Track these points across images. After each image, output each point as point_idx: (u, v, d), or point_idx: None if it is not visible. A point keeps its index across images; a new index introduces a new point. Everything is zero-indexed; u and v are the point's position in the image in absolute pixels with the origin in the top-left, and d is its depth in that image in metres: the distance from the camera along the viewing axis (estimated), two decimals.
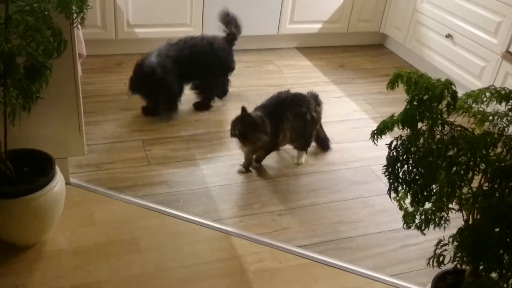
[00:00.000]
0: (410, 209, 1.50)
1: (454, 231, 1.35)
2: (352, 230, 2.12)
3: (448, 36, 3.26)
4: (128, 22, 3.27)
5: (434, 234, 1.96)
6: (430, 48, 3.45)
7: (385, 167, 1.29)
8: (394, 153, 1.28)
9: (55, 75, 1.71)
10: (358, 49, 3.98)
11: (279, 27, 3.64)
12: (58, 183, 1.82)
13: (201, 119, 2.81)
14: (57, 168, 1.85)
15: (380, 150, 2.68)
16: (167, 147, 2.54)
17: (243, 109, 2.31)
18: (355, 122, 2.95)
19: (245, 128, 2.29)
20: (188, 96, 2.92)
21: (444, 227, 1.42)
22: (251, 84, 3.25)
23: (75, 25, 1.68)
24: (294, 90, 2.57)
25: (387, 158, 1.31)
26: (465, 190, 1.32)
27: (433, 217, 1.38)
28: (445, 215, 1.38)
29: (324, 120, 2.80)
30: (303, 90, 2.60)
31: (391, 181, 1.28)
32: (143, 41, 3.41)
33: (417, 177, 1.24)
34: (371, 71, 3.62)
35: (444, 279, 1.51)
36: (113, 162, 2.38)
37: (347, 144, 2.73)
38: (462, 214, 1.37)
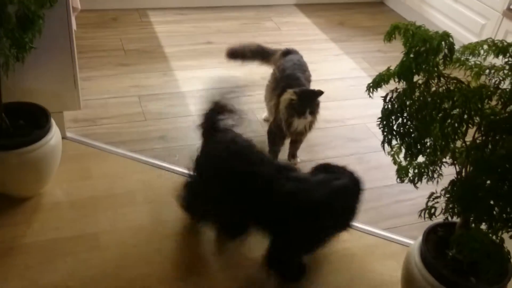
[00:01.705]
0: (404, 163, 1.52)
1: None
2: None
3: None
4: None
5: (427, 190, 1.98)
6: (430, 6, 3.40)
7: (379, 119, 1.29)
8: (389, 106, 1.28)
9: (48, 27, 1.69)
10: (357, 6, 3.91)
11: None
12: (54, 136, 1.83)
13: (199, 76, 2.79)
14: (53, 121, 1.85)
15: (377, 108, 2.69)
16: (164, 103, 2.53)
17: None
18: (353, 80, 2.93)
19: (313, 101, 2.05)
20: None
21: (437, 181, 1.44)
22: (248, 41, 3.19)
23: None
24: (293, 47, 2.53)
25: (382, 110, 1.31)
26: (459, 144, 1.33)
27: (426, 171, 1.39)
28: (438, 169, 1.39)
29: (323, 77, 2.79)
30: (301, 48, 2.57)
31: (385, 133, 1.28)
32: None
33: (411, 130, 1.24)
34: (370, 29, 3.57)
35: (435, 231, 1.54)
36: (110, 117, 2.38)
37: (345, 101, 2.73)
38: (455, 168, 1.38)
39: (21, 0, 1.35)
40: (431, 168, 1.39)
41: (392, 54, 3.22)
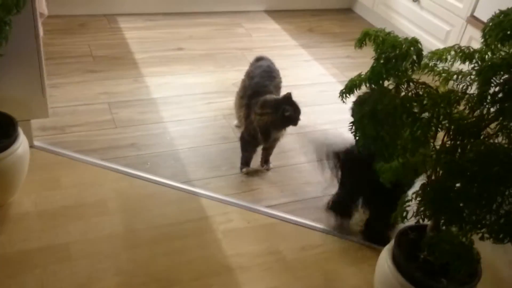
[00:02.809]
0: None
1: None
2: (318, 190, 2.16)
3: (415, 0, 3.28)
4: None
5: None
6: (397, 13, 3.47)
7: (351, 124, 1.30)
8: (358, 111, 1.30)
9: (14, 33, 1.65)
10: (326, 13, 3.96)
11: None
12: (21, 145, 1.78)
13: (170, 82, 2.77)
14: (20, 130, 1.80)
15: (348, 113, 2.74)
16: (134, 109, 2.50)
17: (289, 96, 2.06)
18: (323, 86, 2.96)
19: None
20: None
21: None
22: (220, 47, 3.21)
23: None
24: (263, 53, 2.55)
25: (352, 115, 1.33)
26: (428, 148, 1.35)
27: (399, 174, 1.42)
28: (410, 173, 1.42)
29: (293, 83, 2.81)
30: (272, 53, 2.59)
31: (357, 138, 1.30)
32: (107, 1, 3.31)
33: (382, 134, 1.26)
34: (339, 35, 3.62)
35: (406, 234, 1.56)
36: (79, 125, 2.34)
37: (316, 107, 2.75)
38: (425, 171, 1.41)
39: None
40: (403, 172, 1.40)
41: (361, 60, 3.27)
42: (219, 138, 2.39)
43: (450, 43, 3.04)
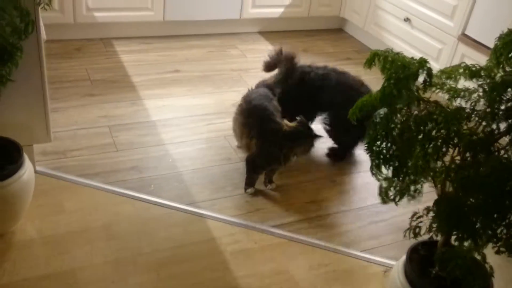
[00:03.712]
0: (384, 184, 1.56)
1: (424, 205, 1.42)
2: (323, 209, 2.17)
3: (406, 19, 3.35)
4: (87, 5, 3.17)
5: (399, 210, 2.04)
6: (388, 32, 3.54)
7: (366, 144, 1.32)
8: (374, 131, 1.32)
9: (21, 59, 1.65)
10: (319, 33, 4.02)
11: (241, 11, 3.63)
12: (27, 171, 1.77)
13: (168, 105, 2.77)
14: (25, 156, 1.79)
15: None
16: (135, 132, 2.50)
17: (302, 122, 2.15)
18: None
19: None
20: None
21: (411, 200, 1.48)
22: (216, 69, 3.24)
23: (41, 6, 1.63)
24: (259, 74, 2.57)
25: (366, 136, 1.35)
26: (438, 164, 1.37)
27: (408, 190, 1.43)
28: (419, 188, 1.43)
29: None
30: (268, 74, 2.61)
31: (373, 158, 1.31)
32: (103, 26, 3.32)
33: (396, 153, 1.28)
34: (333, 54, 3.68)
35: (417, 251, 1.58)
36: (80, 149, 2.33)
37: (315, 126, 2.77)
38: (436, 187, 1.43)
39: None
40: (412, 187, 1.42)
41: None
42: (222, 159, 2.39)
43: (442, 61, 3.10)
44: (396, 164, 1.30)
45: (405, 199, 1.49)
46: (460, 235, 1.26)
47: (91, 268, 1.76)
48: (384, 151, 1.31)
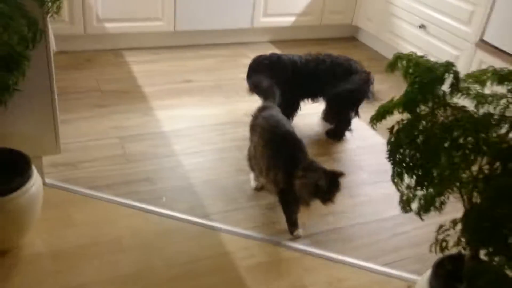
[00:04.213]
0: (405, 192, 1.48)
1: (446, 217, 1.34)
2: (340, 221, 2.09)
3: (422, 26, 3.28)
4: (98, 16, 3.15)
5: (421, 222, 1.94)
6: (403, 39, 3.47)
7: (388, 152, 1.25)
8: (396, 138, 1.25)
9: (29, 68, 1.61)
10: (331, 42, 3.96)
11: (252, 20, 3.59)
12: (35, 183, 1.72)
13: (180, 115, 2.72)
14: (34, 168, 1.74)
15: (362, 140, 2.69)
16: (146, 143, 2.45)
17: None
18: None
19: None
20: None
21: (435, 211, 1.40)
22: (228, 78, 3.19)
23: (50, 14, 1.59)
24: None
25: (389, 142, 1.28)
26: (465, 174, 1.30)
27: (433, 202, 1.36)
28: (445, 199, 1.36)
29: (304, 112, 2.77)
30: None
31: (395, 167, 1.24)
32: (113, 36, 3.30)
33: (420, 161, 1.21)
34: None
35: (443, 265, 1.49)
36: (90, 161, 2.28)
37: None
38: (462, 199, 1.35)
39: (6, 40, 1.28)
40: (438, 199, 1.34)
41: None
42: (235, 170, 2.33)
43: (459, 68, 3.01)
44: (420, 173, 1.23)
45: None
46: (491, 250, 1.18)
47: (100, 283, 1.69)
48: (407, 159, 1.24)
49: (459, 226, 1.32)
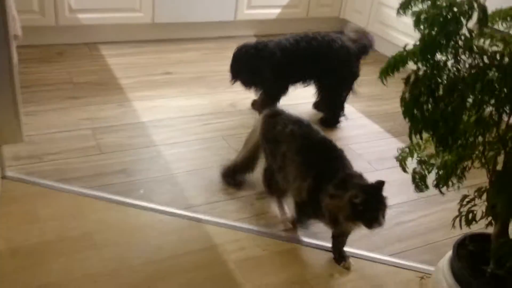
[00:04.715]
0: (413, 166, 1.30)
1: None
2: None
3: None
4: (70, 6, 2.92)
5: (428, 209, 1.75)
6: (395, 29, 3.32)
7: (403, 108, 1.06)
8: (412, 89, 1.06)
9: None
10: None
11: (236, 12, 3.41)
12: None
13: (160, 106, 2.51)
14: None
15: (360, 129, 2.51)
16: (122, 134, 2.22)
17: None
18: None
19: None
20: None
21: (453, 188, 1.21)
22: (212, 70, 2.99)
23: None
24: None
25: (403, 97, 1.08)
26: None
27: (454, 169, 1.16)
28: (468, 165, 1.17)
29: (295, 102, 2.59)
30: None
31: (413, 122, 1.05)
32: (87, 28, 3.08)
33: (445, 115, 1.02)
34: None
35: (464, 246, 1.30)
36: (58, 153, 2.04)
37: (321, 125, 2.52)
38: (486, 164, 1.16)
39: None
40: (460, 165, 1.15)
41: (362, 78, 3.09)
42: (221, 159, 2.10)
43: None
44: (443, 131, 1.03)
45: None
46: None
47: (68, 283, 1.46)
48: (427, 114, 1.04)
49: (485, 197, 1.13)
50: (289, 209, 1.80)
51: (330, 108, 2.53)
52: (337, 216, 1.49)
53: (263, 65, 2.34)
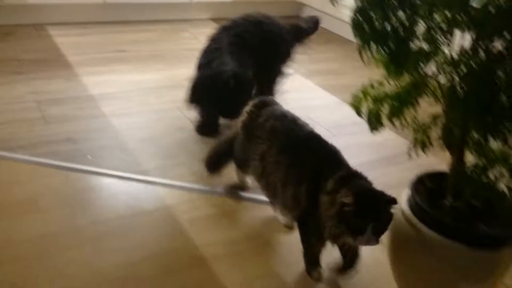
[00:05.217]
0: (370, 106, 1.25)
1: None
2: None
3: None
4: None
5: (389, 168, 1.66)
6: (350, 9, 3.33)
7: (352, 19, 1.02)
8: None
9: None
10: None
11: None
12: None
13: (111, 80, 2.41)
14: None
15: (320, 99, 2.49)
16: (69, 106, 2.12)
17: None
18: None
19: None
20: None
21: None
22: (167, 49, 2.92)
23: None
24: None
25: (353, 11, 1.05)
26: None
27: (409, 96, 1.13)
28: (421, 92, 1.13)
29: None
30: None
31: (360, 35, 1.01)
32: (34, 8, 2.96)
33: (396, 25, 0.98)
34: None
35: (422, 183, 1.26)
36: (2, 123, 1.94)
37: (282, 95, 2.48)
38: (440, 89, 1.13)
39: None
40: (414, 92, 1.12)
41: (320, 56, 3.09)
42: (175, 129, 2.04)
43: None
44: (393, 44, 0.99)
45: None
46: (488, 124, 0.95)
47: (9, 246, 1.35)
48: (377, 28, 1.00)
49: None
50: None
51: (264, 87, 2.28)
52: (327, 218, 1.18)
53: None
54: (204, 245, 1.42)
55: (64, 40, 2.82)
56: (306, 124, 1.43)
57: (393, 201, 1.15)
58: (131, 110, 2.14)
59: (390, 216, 1.15)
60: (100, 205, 1.55)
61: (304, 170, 1.30)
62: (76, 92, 2.24)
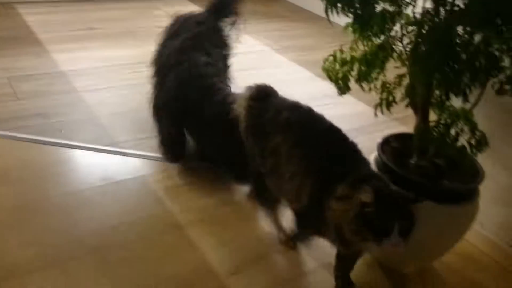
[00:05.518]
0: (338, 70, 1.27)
1: None
2: None
3: None
4: None
5: (358, 139, 1.66)
6: None
7: None
8: None
9: None
10: None
11: None
12: None
13: (82, 56, 2.38)
14: None
15: (290, 75, 2.51)
16: (41, 82, 2.09)
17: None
18: (258, 54, 2.72)
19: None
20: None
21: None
22: (139, 26, 2.89)
23: None
24: None
25: None
26: None
27: (376, 57, 1.15)
28: (389, 54, 1.16)
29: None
30: None
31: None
32: None
33: None
34: (265, 13, 3.43)
35: (388, 143, 1.30)
36: None
37: (254, 71, 2.49)
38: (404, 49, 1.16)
39: None
40: (381, 53, 1.14)
41: (294, 32, 3.10)
42: (148, 103, 2.03)
43: None
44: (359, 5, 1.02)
45: None
46: (450, 80, 0.99)
47: None
48: None
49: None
50: (287, 223, 1.40)
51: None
52: (342, 226, 1.07)
53: None
54: (178, 212, 1.44)
55: (34, 18, 2.77)
56: (322, 116, 1.28)
57: (416, 200, 1.04)
58: (102, 86, 2.13)
59: (414, 216, 1.03)
60: (73, 177, 1.55)
61: (315, 164, 1.18)
62: (47, 68, 2.22)
